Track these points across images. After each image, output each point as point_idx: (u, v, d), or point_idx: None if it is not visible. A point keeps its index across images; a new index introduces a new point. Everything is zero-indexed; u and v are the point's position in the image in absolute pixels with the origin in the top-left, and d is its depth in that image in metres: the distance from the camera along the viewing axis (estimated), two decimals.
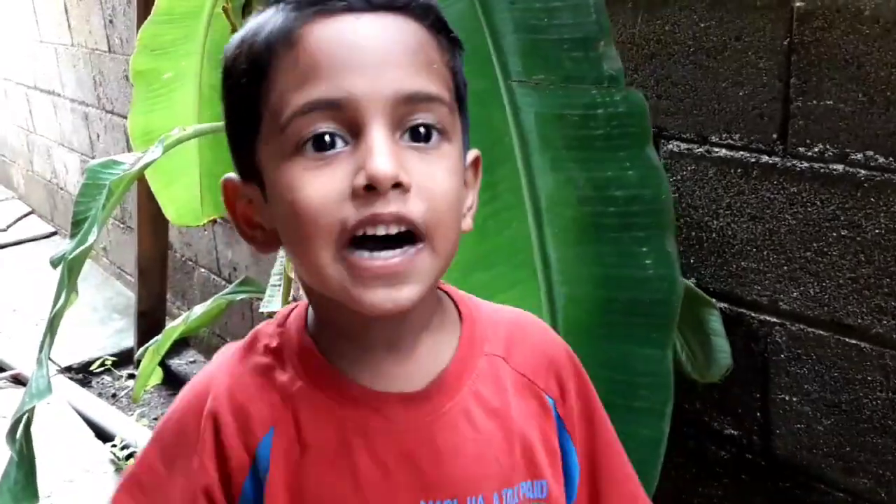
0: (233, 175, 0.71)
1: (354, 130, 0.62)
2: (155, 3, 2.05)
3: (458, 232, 0.67)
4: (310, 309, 0.74)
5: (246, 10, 1.91)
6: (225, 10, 2.00)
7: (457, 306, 0.76)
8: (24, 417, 1.34)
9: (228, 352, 0.75)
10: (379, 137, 0.61)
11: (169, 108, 2.14)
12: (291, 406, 0.69)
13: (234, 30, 2.02)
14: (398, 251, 0.62)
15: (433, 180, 0.63)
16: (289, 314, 0.75)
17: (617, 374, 1.19)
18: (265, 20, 0.66)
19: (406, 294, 0.63)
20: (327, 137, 0.62)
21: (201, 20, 2.04)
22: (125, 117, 3.54)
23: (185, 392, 0.73)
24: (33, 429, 1.43)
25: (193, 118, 2.14)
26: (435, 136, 0.64)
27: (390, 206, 0.61)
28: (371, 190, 0.60)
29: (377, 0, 0.63)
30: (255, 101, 0.65)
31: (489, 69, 1.20)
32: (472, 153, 0.73)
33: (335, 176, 0.61)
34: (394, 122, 0.62)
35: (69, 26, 3.98)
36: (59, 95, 4.41)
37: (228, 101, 0.69)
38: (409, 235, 0.63)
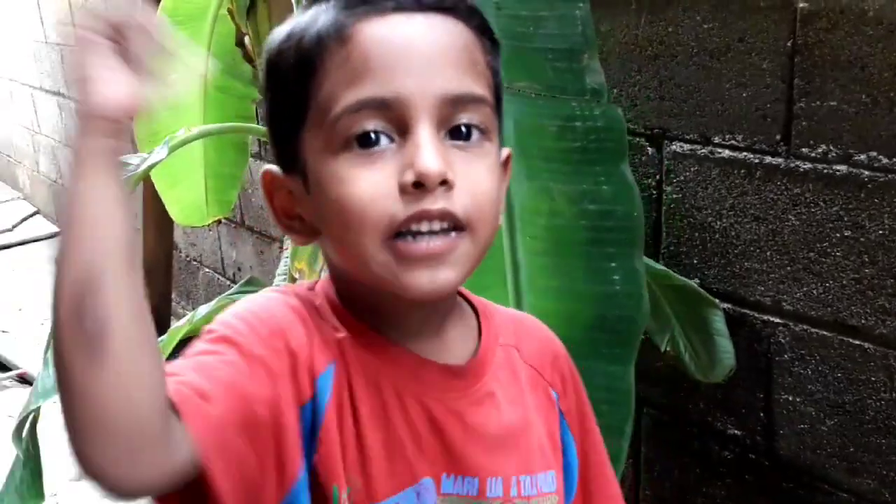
0: (272, 166, 0.72)
1: (402, 129, 0.64)
2: (160, 3, 2.06)
3: (496, 225, 0.70)
4: (334, 292, 0.72)
5: (251, 12, 1.92)
6: (230, 11, 2.01)
7: (467, 300, 0.78)
8: (31, 417, 1.35)
9: (282, 288, 0.74)
10: (426, 136, 0.63)
11: (174, 109, 2.14)
12: (341, 351, 0.68)
13: (238, 32, 2.02)
14: (441, 235, 0.64)
15: (475, 177, 0.65)
16: (313, 286, 0.74)
17: None
18: (314, 16, 0.67)
19: (445, 276, 0.65)
20: (373, 135, 0.64)
21: (206, 21, 2.05)
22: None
23: (271, 297, 0.70)
24: (40, 427, 1.44)
25: (198, 119, 2.14)
26: (476, 134, 0.66)
27: (438, 202, 0.63)
28: (419, 187, 0.62)
29: (427, 0, 0.65)
30: (304, 95, 0.66)
31: None
32: (505, 151, 0.74)
33: (383, 172, 0.63)
34: (439, 121, 0.64)
35: (74, 27, 4.00)
36: (64, 96, 4.43)
37: (273, 94, 0.70)
38: (452, 227, 0.65)
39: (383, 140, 0.64)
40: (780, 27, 1.34)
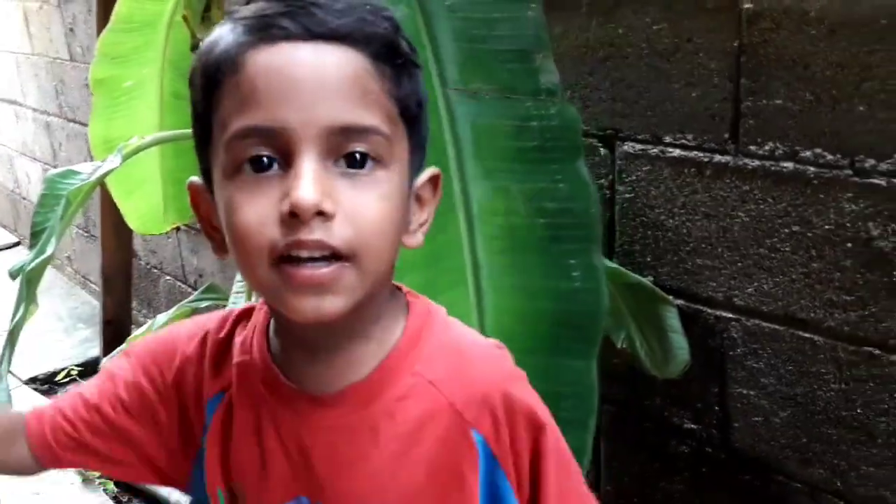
0: (197, 179, 0.74)
1: (287, 157, 0.64)
2: (114, 11, 2.04)
3: (389, 252, 0.69)
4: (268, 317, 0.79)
5: (205, 18, 1.91)
6: (185, 17, 2.00)
7: (413, 320, 0.77)
8: None
9: (213, 315, 0.83)
10: (306, 167, 0.63)
11: (130, 116, 2.13)
12: (232, 378, 0.77)
13: (193, 37, 2.02)
14: (324, 264, 0.65)
15: (362, 207, 0.65)
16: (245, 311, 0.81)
17: (542, 385, 1.19)
18: (219, 37, 0.68)
19: (330, 304, 0.65)
20: (265, 160, 0.64)
21: (161, 28, 2.04)
22: (87, 125, 3.53)
23: (178, 325, 0.83)
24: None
25: (155, 126, 2.14)
26: (369, 163, 0.66)
27: (314, 233, 0.63)
28: (295, 216, 0.63)
29: (317, 29, 0.64)
30: (207, 118, 0.68)
31: (427, 76, 1.21)
32: (429, 171, 0.75)
33: (267, 200, 0.64)
34: (327, 150, 0.64)
35: (29, 35, 3.95)
36: (20, 105, 4.38)
37: (191, 111, 0.72)
38: (333, 256, 0.65)
39: (274, 166, 0.65)
40: (727, 28, 1.37)
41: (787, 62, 1.31)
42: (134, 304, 3.44)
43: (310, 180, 0.63)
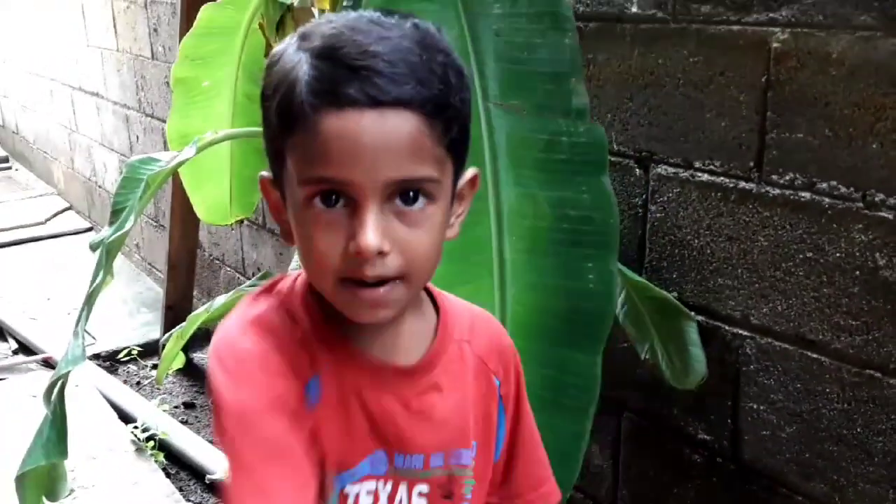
0: (266, 173, 0.86)
1: (351, 200, 0.76)
2: (197, 16, 2.22)
3: (433, 268, 0.83)
4: (309, 286, 0.88)
5: (280, 28, 2.07)
6: (261, 25, 2.17)
7: (431, 296, 0.94)
8: (60, 381, 1.50)
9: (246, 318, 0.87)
10: (368, 216, 0.75)
11: (205, 113, 2.30)
12: (314, 361, 0.84)
13: (268, 45, 2.18)
14: (381, 288, 0.79)
15: (414, 241, 0.78)
16: (283, 289, 0.89)
17: (551, 373, 1.35)
18: (291, 71, 0.76)
19: (385, 314, 0.80)
20: (333, 197, 0.76)
21: (238, 34, 2.21)
22: (164, 121, 3.73)
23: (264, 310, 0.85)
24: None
25: (227, 124, 2.30)
26: (421, 200, 0.78)
27: (375, 269, 0.76)
28: (359, 254, 0.76)
29: (380, 97, 0.73)
30: (281, 146, 0.79)
31: (472, 90, 1.35)
32: (471, 172, 0.87)
33: (335, 236, 0.77)
34: (385, 197, 0.76)
35: (116, 32, 4.19)
36: (102, 97, 4.62)
37: (263, 119, 0.82)
38: (388, 280, 0.79)
39: (341, 201, 0.77)
40: (756, 64, 1.47)
41: (809, 99, 1.41)
42: (195, 292, 3.62)
43: (372, 228, 0.75)
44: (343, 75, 0.73)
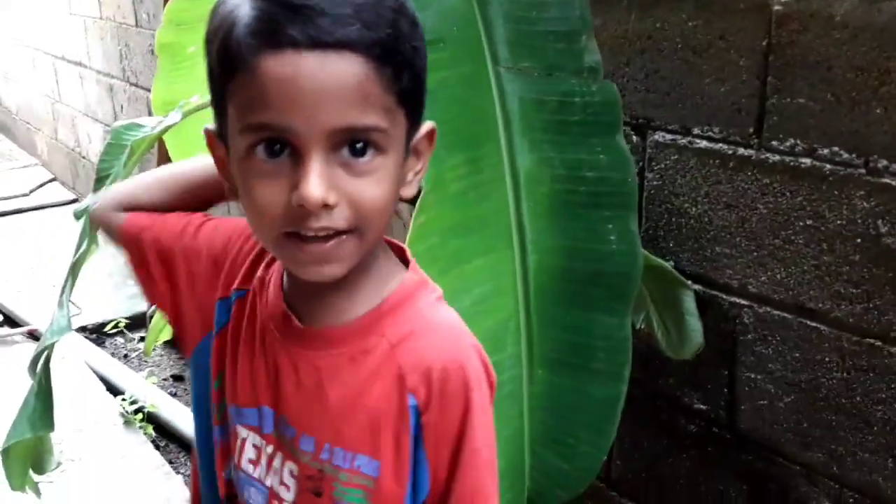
0: (211, 126, 0.82)
1: (295, 149, 0.72)
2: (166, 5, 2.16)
3: (385, 221, 0.78)
4: None
5: None
6: None
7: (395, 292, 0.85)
8: (45, 352, 1.46)
9: None
10: (313, 165, 0.71)
11: (191, 80, 2.24)
12: (253, 288, 0.89)
13: None
14: (327, 241, 0.75)
15: (362, 192, 0.74)
16: None
17: (578, 338, 1.32)
18: (231, 14, 0.72)
19: (330, 271, 0.77)
20: (277, 147, 0.72)
21: None
22: (148, 90, 3.65)
23: (241, 220, 0.92)
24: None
25: None
26: (370, 151, 0.74)
27: (320, 221, 0.73)
28: (303, 207, 0.72)
29: (322, 38, 0.69)
30: (223, 95, 0.76)
31: (480, 55, 1.31)
32: (427, 126, 0.83)
33: (278, 186, 0.73)
34: (330, 147, 0.72)
35: (99, 0, 4.11)
36: (85, 67, 4.54)
37: (207, 72, 0.78)
38: (336, 233, 0.75)
39: (285, 151, 0.72)
40: (757, 27, 1.44)
41: (811, 63, 1.38)
42: None
43: (316, 177, 0.71)
44: (283, 15, 0.69)
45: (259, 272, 0.89)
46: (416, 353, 0.82)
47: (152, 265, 0.97)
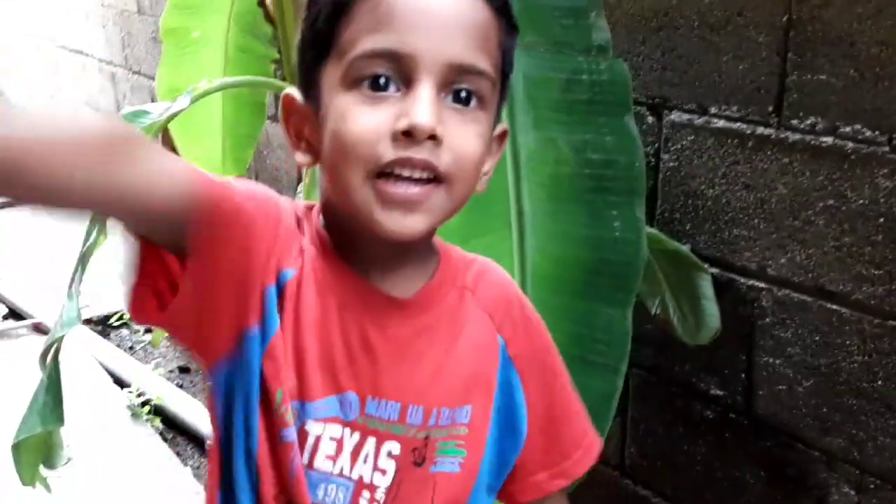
0: (293, 90, 0.79)
1: (407, 80, 0.70)
2: None
3: (473, 187, 0.76)
4: (321, 216, 0.81)
5: None
6: None
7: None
8: (55, 346, 1.44)
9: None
10: (426, 93, 0.69)
11: (196, 65, 2.22)
12: (302, 259, 0.77)
13: None
14: (415, 184, 0.71)
15: (464, 139, 0.72)
16: (311, 206, 0.82)
17: (577, 328, 1.27)
18: None
19: (414, 222, 0.72)
20: (383, 80, 0.71)
21: None
22: (152, 78, 3.62)
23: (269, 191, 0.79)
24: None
25: (219, 76, 2.22)
26: (474, 102, 0.73)
27: (423, 153, 0.69)
28: (409, 136, 0.69)
29: None
30: (331, 32, 0.73)
31: None
32: (501, 126, 0.81)
33: (382, 115, 0.70)
34: (442, 83, 0.71)
35: None
36: (87, 55, 4.51)
37: (307, 25, 0.77)
38: (432, 178, 0.72)
39: (391, 86, 0.71)
40: (777, 3, 1.41)
41: (833, 39, 1.35)
42: None
43: (428, 105, 0.69)
44: None
45: (294, 251, 0.77)
46: (491, 293, 0.84)
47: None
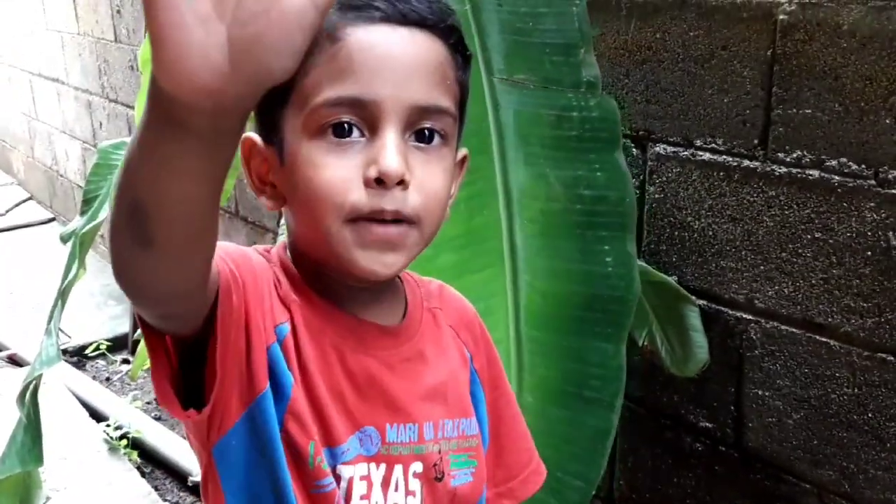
0: (253, 134, 0.78)
1: (372, 126, 0.71)
2: None
3: (442, 220, 0.78)
4: (288, 255, 0.80)
5: None
6: None
7: None
8: (33, 384, 1.40)
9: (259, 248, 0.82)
10: (391, 138, 0.70)
11: None
12: (291, 311, 0.76)
13: None
14: (394, 225, 0.72)
15: (431, 178, 0.73)
16: (268, 250, 0.82)
17: (571, 364, 1.27)
18: None
19: (393, 260, 0.73)
20: (346, 126, 0.71)
21: None
22: (129, 106, 3.60)
23: (248, 250, 0.79)
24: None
25: None
26: (437, 139, 0.74)
27: (395, 202, 0.71)
28: (380, 182, 0.70)
29: (411, 15, 0.71)
30: (290, 79, 0.71)
31: (474, 65, 1.27)
32: (462, 152, 0.83)
33: (350, 163, 0.70)
34: (405, 125, 0.72)
35: (76, 15, 4.05)
36: (63, 83, 4.47)
37: None
38: (403, 220, 0.73)
39: (355, 132, 0.71)
40: (761, 37, 1.41)
41: (818, 73, 1.36)
42: None
43: (395, 152, 0.70)
44: None
45: (280, 304, 0.76)
46: (452, 310, 0.90)
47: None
